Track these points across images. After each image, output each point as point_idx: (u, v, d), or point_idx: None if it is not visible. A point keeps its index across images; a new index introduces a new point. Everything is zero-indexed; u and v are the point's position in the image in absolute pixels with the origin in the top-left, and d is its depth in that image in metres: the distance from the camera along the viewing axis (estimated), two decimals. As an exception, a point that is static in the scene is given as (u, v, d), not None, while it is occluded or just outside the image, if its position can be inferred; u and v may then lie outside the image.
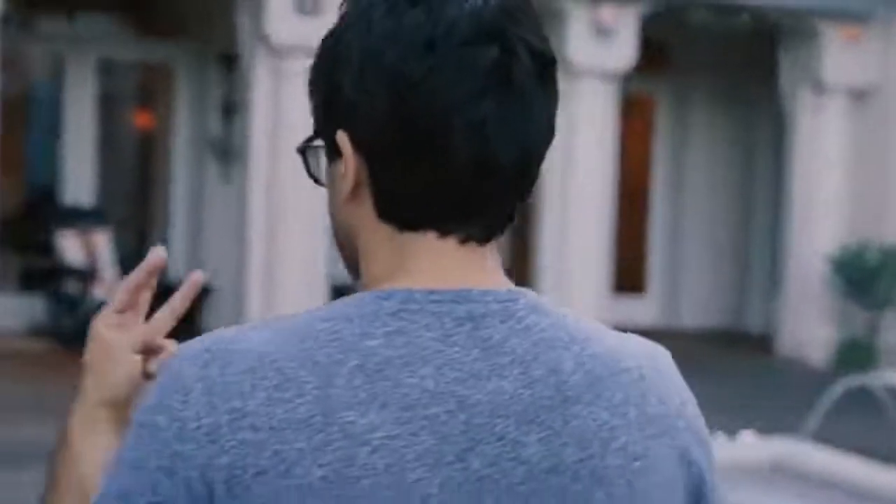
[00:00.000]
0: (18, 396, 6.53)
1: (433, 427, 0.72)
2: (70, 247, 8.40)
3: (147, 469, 0.74)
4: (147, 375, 0.88)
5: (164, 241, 8.51)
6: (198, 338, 0.79)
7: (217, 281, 7.93)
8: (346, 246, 0.83)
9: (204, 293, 8.16)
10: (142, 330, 0.90)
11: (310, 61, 0.82)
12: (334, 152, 0.78)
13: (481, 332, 0.75)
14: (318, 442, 0.71)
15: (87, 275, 8.25)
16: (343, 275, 0.89)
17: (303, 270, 7.51)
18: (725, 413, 4.59)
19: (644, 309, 9.28)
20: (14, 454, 5.31)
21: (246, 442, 0.72)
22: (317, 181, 0.85)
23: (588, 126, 7.75)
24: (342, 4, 0.80)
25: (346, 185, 0.77)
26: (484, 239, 0.78)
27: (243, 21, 7.48)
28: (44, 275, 8.64)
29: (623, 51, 7.84)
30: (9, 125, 12.22)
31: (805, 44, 8.49)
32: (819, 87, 8.50)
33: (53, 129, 9.06)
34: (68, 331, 7.88)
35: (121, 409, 0.88)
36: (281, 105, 7.35)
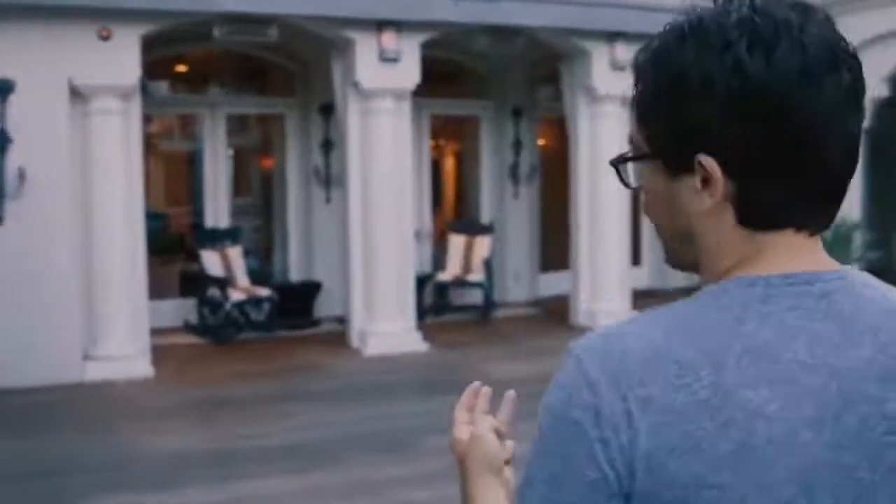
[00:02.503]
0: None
1: (813, 395, 0.83)
2: (211, 260, 9.83)
3: (572, 454, 0.83)
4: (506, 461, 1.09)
5: (284, 253, 11.00)
6: (584, 337, 0.89)
7: (326, 281, 10.25)
8: (687, 247, 0.93)
9: (315, 289, 10.60)
10: (492, 419, 1.14)
11: (635, 94, 0.93)
12: (680, 169, 0.89)
13: (834, 307, 0.87)
14: (722, 420, 0.81)
15: (225, 282, 9.65)
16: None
17: (394, 271, 8.91)
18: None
19: (642, 276, 11.62)
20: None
21: (657, 424, 0.81)
22: (628, 187, 0.98)
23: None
24: (662, 37, 0.90)
25: (709, 202, 0.88)
26: (825, 229, 0.91)
27: (338, 72, 8.91)
28: (194, 282, 10.20)
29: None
30: (177, 171, 15.34)
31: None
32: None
33: (198, 173, 11.18)
34: (211, 327, 9.56)
35: (498, 473, 1.07)
36: (368, 139, 8.81)
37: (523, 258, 11.91)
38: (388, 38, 8.58)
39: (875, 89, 10.03)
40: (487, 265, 10.83)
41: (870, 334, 0.86)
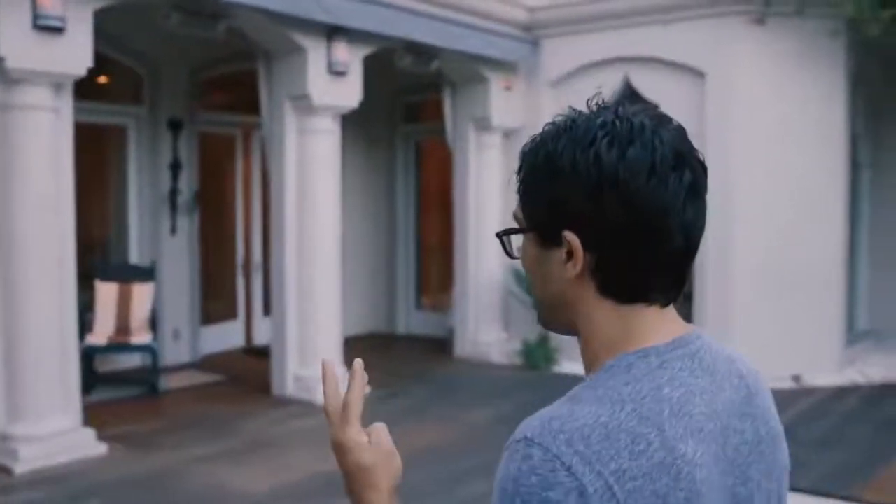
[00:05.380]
0: None
1: (712, 438, 1.02)
2: None
3: None
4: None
5: None
6: (532, 423, 1.00)
7: None
8: (558, 310, 1.10)
9: None
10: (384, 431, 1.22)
11: (518, 178, 1.09)
12: (551, 242, 1.06)
13: (703, 363, 1.07)
14: (674, 474, 0.96)
15: None
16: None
17: (49, 336, 6.81)
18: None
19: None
20: None
21: (631, 490, 0.93)
22: (512, 257, 1.14)
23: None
24: (542, 133, 1.08)
25: (573, 271, 1.04)
26: (674, 301, 1.09)
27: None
28: None
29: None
30: None
31: (473, 89, 9.55)
32: (486, 127, 9.62)
33: None
34: None
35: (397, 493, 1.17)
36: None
37: (183, 308, 9.42)
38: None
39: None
40: (153, 321, 8.23)
41: (727, 380, 1.09)
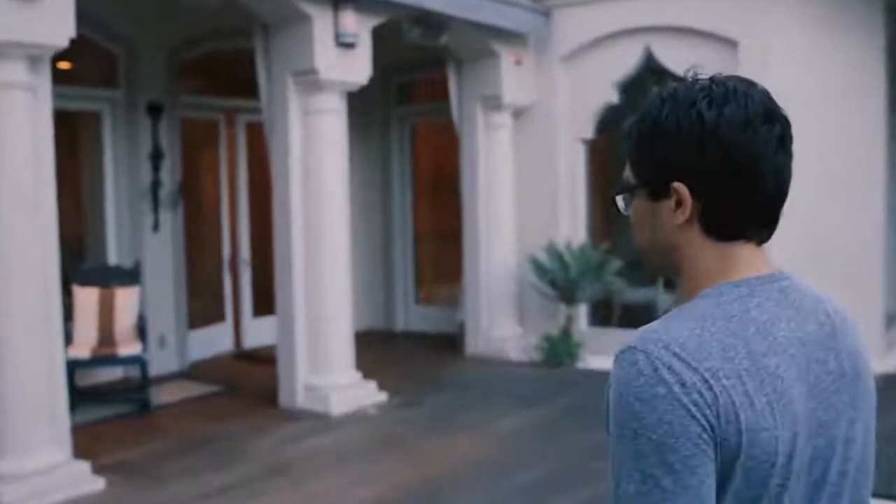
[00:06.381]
0: None
1: (794, 361, 1.17)
2: None
3: (673, 419, 1.07)
4: None
5: None
6: (636, 338, 1.14)
7: None
8: (662, 256, 1.27)
9: None
10: None
11: (629, 147, 1.27)
12: (661, 195, 1.22)
13: (789, 297, 1.22)
14: (758, 382, 1.12)
15: None
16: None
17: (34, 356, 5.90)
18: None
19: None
20: None
21: (724, 387, 1.09)
22: (620, 213, 1.31)
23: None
24: (646, 106, 1.24)
25: (682, 217, 1.21)
26: (767, 241, 1.25)
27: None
28: None
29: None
30: None
31: (482, 65, 8.80)
32: (496, 106, 8.87)
33: None
34: None
35: None
36: None
37: (168, 312, 8.53)
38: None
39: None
40: (142, 329, 7.34)
41: (812, 315, 1.24)
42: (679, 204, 1.20)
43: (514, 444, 6.20)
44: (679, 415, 1.06)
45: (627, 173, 1.27)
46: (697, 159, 1.17)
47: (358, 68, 7.00)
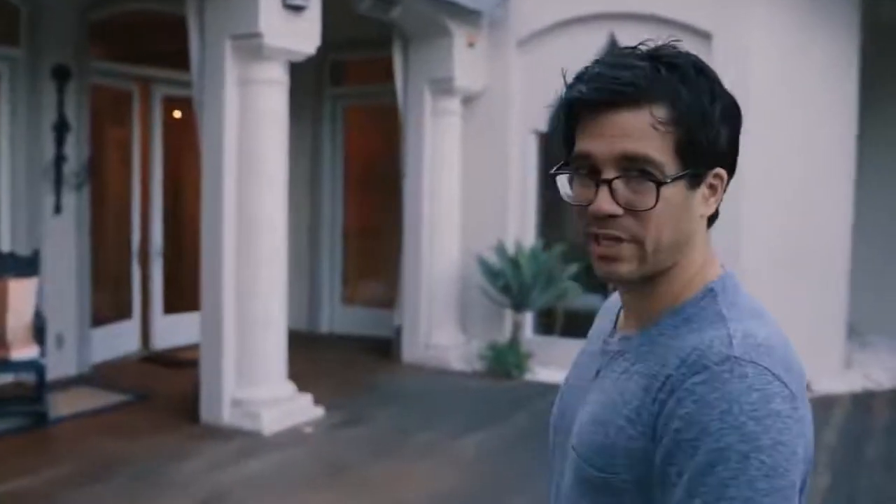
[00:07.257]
0: None
1: None
2: None
3: (786, 441, 0.97)
4: None
5: None
6: (737, 339, 1.03)
7: None
8: (678, 247, 1.13)
9: None
10: None
11: (706, 122, 1.12)
12: (697, 184, 1.12)
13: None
14: (804, 384, 1.07)
15: None
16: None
17: None
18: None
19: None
20: None
21: (798, 390, 1.03)
22: (566, 198, 1.19)
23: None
24: (714, 81, 1.13)
25: (714, 205, 1.15)
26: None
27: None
28: None
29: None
30: None
31: (433, 45, 8.04)
32: (446, 90, 8.13)
33: None
34: None
35: None
36: None
37: (69, 308, 7.46)
38: None
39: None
40: (39, 329, 6.28)
41: None
42: (714, 190, 1.14)
43: (480, 472, 5.44)
44: (794, 434, 0.98)
45: (659, 158, 1.08)
46: (733, 147, 1.14)
47: (305, 35, 6.11)
